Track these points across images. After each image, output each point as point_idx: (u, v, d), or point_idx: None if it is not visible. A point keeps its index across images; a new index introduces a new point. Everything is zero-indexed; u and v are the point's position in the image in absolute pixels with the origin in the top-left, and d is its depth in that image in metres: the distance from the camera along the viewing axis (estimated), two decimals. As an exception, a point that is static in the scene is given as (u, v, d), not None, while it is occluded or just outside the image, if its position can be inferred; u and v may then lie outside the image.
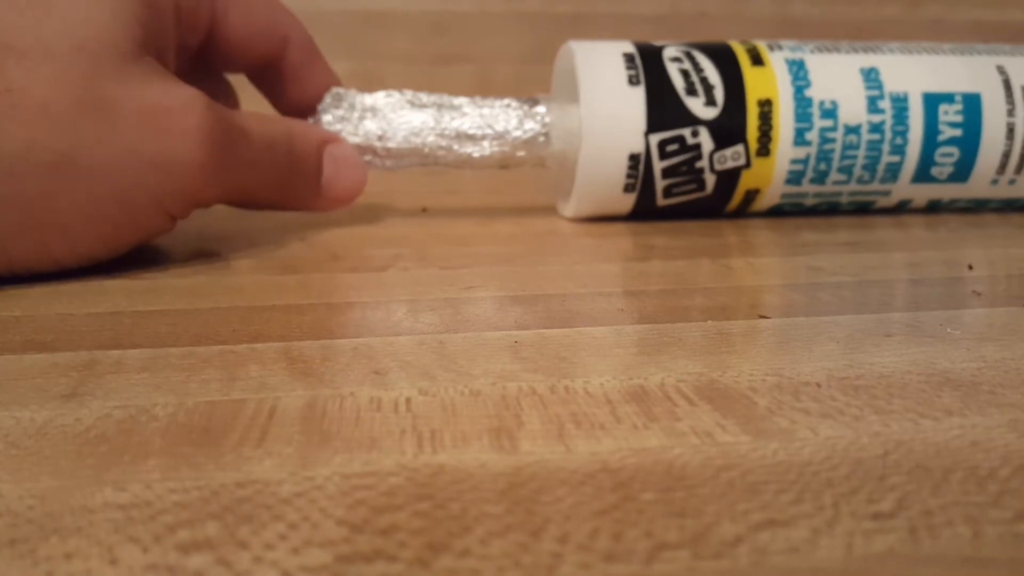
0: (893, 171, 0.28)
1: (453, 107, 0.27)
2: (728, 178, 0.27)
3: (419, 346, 0.15)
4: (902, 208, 0.30)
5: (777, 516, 0.09)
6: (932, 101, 0.28)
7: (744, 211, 0.29)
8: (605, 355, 0.15)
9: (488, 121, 0.27)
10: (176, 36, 0.22)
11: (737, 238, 0.26)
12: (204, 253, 0.24)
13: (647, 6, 0.54)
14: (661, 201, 0.27)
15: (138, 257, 0.22)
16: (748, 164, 0.27)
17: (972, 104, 0.28)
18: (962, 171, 0.28)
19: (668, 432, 0.12)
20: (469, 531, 0.09)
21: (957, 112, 0.28)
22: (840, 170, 0.27)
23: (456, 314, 0.17)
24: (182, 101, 0.20)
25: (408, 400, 0.13)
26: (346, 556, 0.09)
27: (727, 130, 0.26)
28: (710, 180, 0.27)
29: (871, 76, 0.27)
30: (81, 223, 0.19)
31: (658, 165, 0.26)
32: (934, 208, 0.30)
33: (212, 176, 0.21)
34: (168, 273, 0.21)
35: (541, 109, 0.27)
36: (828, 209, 0.30)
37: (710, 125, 0.26)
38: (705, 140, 0.26)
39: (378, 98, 0.27)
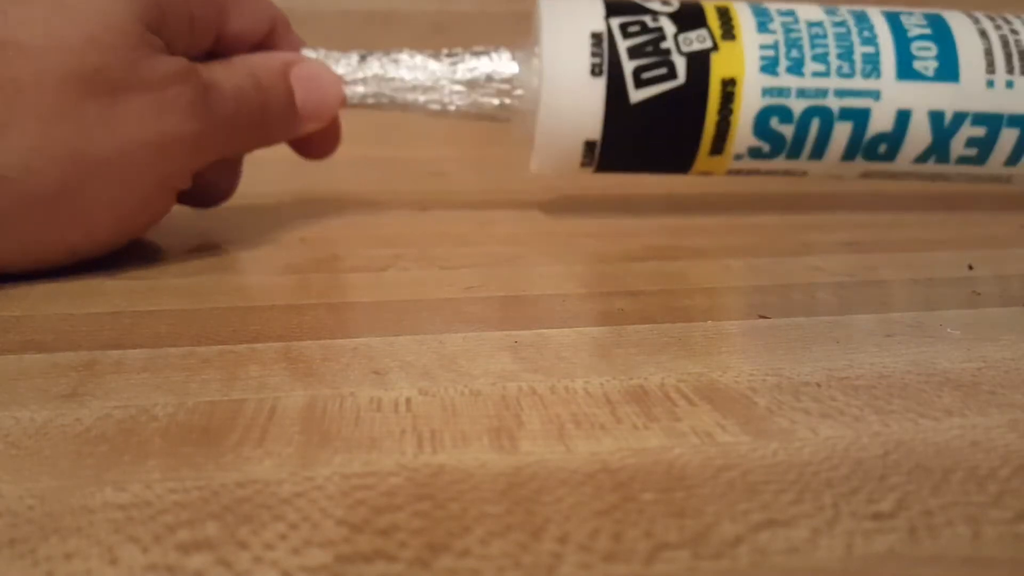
0: (872, 62, 0.27)
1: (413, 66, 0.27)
2: (699, 63, 0.26)
3: (419, 346, 0.15)
4: (902, 128, 0.28)
5: (777, 516, 0.09)
6: (892, 14, 0.28)
7: (729, 115, 0.27)
8: (605, 355, 0.15)
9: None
10: (188, 45, 0.22)
11: (736, 238, 0.26)
12: (204, 253, 0.24)
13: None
14: (634, 94, 0.26)
15: (138, 257, 0.22)
16: (715, 47, 0.27)
17: (933, 16, 0.28)
18: (948, 65, 0.27)
19: (668, 432, 0.12)
20: (469, 531, 0.09)
21: (920, 18, 0.28)
22: (815, 58, 0.27)
23: (456, 314, 0.17)
24: (178, 76, 0.20)
25: (408, 400, 0.13)
26: (346, 556, 0.09)
27: (686, 15, 0.27)
28: (680, 63, 0.26)
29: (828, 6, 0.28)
30: (98, 212, 0.20)
31: (622, 44, 0.26)
32: (941, 140, 0.28)
33: (204, 141, 0.21)
34: (168, 273, 0.21)
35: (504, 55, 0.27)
36: (824, 128, 0.28)
37: (668, 15, 0.27)
38: (666, 24, 0.26)
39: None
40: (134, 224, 0.21)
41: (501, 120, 0.27)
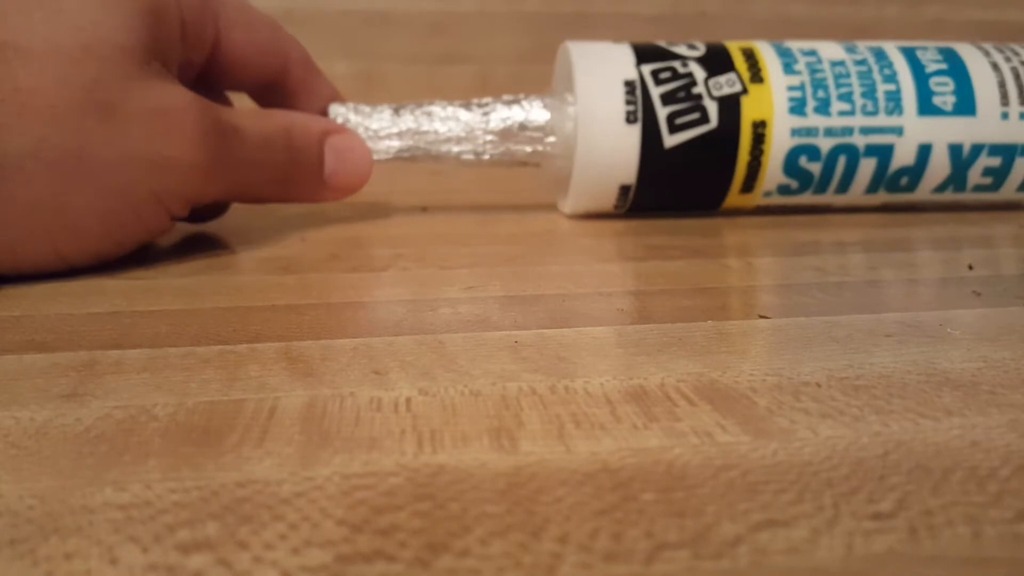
0: (895, 99, 0.28)
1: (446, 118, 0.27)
2: (730, 106, 0.27)
3: (419, 346, 0.15)
4: (923, 161, 0.29)
5: (777, 516, 0.09)
6: (908, 50, 0.29)
7: (760, 155, 0.28)
8: (605, 355, 0.15)
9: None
10: (181, 52, 0.22)
11: (736, 238, 0.26)
12: (204, 253, 0.24)
13: (647, 6, 0.54)
14: (668, 139, 0.27)
15: (138, 257, 0.22)
16: (745, 90, 0.27)
17: (948, 51, 0.29)
18: (965, 100, 0.28)
19: (668, 432, 0.12)
20: (469, 531, 0.09)
21: (935, 53, 0.29)
22: (840, 98, 0.28)
23: (456, 314, 0.17)
24: (180, 104, 0.20)
25: (408, 400, 0.13)
26: (346, 556, 0.09)
27: (714, 60, 0.28)
28: (712, 108, 0.27)
29: (846, 43, 0.29)
30: (90, 221, 0.19)
31: (655, 91, 0.27)
32: (959, 170, 0.29)
33: (208, 176, 0.21)
34: (168, 273, 0.21)
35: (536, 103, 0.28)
36: (850, 164, 0.28)
37: (697, 59, 0.28)
38: (696, 69, 0.27)
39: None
40: (126, 237, 0.21)
41: (531, 165, 0.28)
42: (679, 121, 0.27)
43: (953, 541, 0.09)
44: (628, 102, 0.27)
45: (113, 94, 0.19)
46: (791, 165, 0.28)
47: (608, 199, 0.28)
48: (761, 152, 0.28)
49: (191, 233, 0.26)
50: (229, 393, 0.13)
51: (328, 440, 0.11)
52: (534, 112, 0.27)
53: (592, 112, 0.27)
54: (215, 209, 0.26)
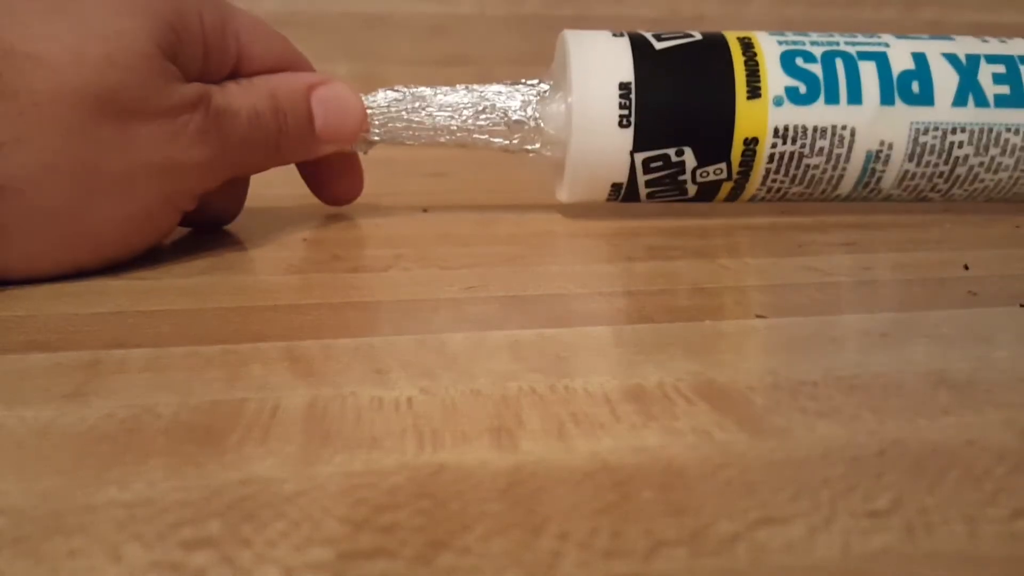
0: (874, 35, 0.30)
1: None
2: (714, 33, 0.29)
3: (420, 346, 0.15)
4: (924, 66, 0.29)
5: (774, 514, 0.10)
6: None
7: (754, 56, 0.29)
8: (604, 355, 0.15)
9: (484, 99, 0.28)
10: (202, 72, 0.22)
11: (733, 239, 0.26)
12: (207, 254, 0.24)
13: (646, 8, 0.54)
14: (658, 44, 0.28)
15: (142, 258, 0.22)
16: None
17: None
18: (942, 37, 0.30)
19: (667, 431, 0.12)
20: (469, 529, 0.09)
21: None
22: (821, 37, 0.30)
23: (457, 314, 0.17)
24: (186, 107, 0.20)
25: (409, 399, 0.13)
26: (348, 553, 0.09)
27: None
28: (696, 32, 0.29)
29: None
30: (106, 229, 0.20)
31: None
32: (969, 77, 0.29)
33: (214, 166, 0.21)
34: (170, 273, 0.21)
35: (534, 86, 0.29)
36: (850, 68, 0.28)
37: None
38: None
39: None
40: (140, 241, 0.21)
41: (529, 149, 0.28)
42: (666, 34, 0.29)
43: (949, 539, 0.09)
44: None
45: (131, 103, 0.19)
46: (789, 65, 0.29)
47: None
48: (754, 55, 0.30)
49: (194, 234, 0.26)
50: (231, 392, 0.13)
51: (330, 439, 0.11)
52: (528, 98, 0.28)
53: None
54: (224, 215, 0.27)
